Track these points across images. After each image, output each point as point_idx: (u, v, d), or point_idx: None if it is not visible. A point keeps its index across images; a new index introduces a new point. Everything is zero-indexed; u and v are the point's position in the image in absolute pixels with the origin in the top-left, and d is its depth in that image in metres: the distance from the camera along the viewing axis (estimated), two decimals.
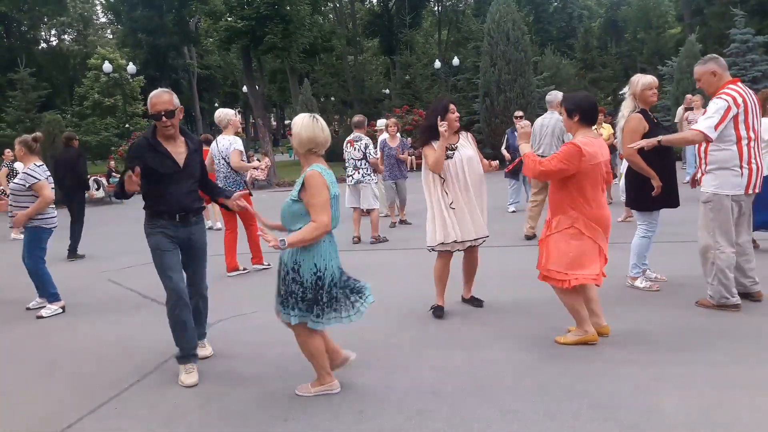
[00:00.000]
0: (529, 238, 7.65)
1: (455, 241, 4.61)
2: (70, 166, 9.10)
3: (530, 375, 3.59)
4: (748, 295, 4.64)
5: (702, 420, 2.92)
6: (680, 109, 12.83)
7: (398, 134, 9.90)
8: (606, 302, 4.59)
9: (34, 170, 5.73)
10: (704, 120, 4.30)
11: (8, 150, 12.24)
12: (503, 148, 10.50)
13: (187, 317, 3.86)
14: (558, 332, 4.18)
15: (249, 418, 3.30)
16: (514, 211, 10.28)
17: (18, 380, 4.16)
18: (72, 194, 9.12)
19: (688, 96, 12.69)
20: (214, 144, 6.98)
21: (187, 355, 3.90)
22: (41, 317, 5.70)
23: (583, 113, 3.88)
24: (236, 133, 6.95)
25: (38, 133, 6.23)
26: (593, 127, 4.07)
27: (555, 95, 7.77)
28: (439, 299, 4.89)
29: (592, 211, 3.86)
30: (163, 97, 3.75)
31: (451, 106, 4.70)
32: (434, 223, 4.65)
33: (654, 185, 4.83)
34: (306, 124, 3.29)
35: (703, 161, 4.52)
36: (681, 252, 6.32)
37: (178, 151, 3.85)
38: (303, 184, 3.23)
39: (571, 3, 48.19)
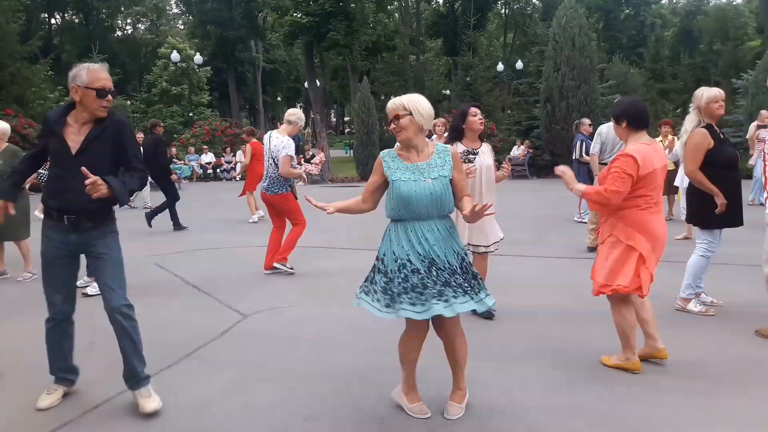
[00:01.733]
0: (592, 250, 7.34)
1: (469, 244, 4.65)
2: (153, 151, 9.84)
3: (564, 394, 3.41)
4: None
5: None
6: (753, 126, 12.18)
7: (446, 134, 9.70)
8: None
9: None
10: None
11: None
12: (580, 153, 9.69)
13: (57, 338, 3.44)
14: (600, 351, 3.97)
15: (270, 412, 3.26)
16: (585, 222, 9.91)
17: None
18: (158, 179, 9.86)
19: (763, 112, 12.02)
20: (267, 137, 6.68)
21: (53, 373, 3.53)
22: (87, 295, 5.85)
23: (630, 118, 3.64)
24: (300, 132, 6.86)
25: None
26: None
27: None
28: None
29: (635, 217, 3.56)
30: (105, 72, 3.25)
31: (472, 110, 4.69)
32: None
33: (717, 203, 4.55)
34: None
35: None
36: (743, 276, 5.96)
37: (79, 138, 3.22)
38: None
39: (644, 11, 46.57)
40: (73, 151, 3.17)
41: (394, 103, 3.13)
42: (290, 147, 6.37)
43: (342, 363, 3.95)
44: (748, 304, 5.06)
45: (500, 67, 31.82)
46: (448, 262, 2.96)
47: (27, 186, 6.65)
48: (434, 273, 2.92)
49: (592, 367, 3.79)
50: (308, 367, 3.89)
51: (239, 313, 5.10)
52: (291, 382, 3.65)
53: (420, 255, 2.94)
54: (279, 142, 6.42)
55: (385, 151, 3.20)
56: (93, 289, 5.93)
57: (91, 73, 3.17)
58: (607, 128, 7.68)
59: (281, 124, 6.90)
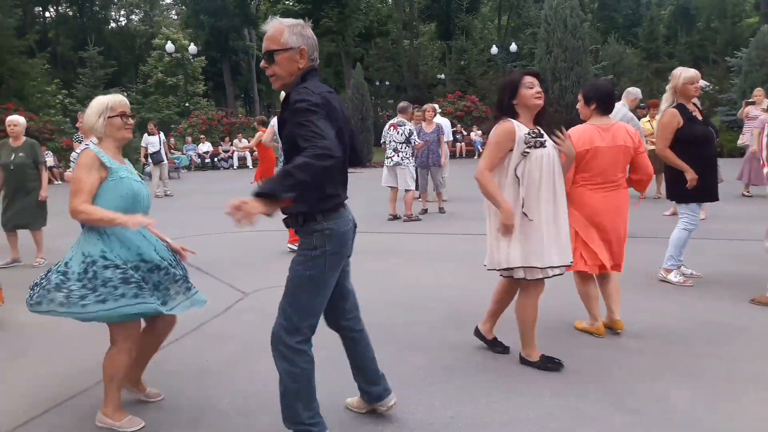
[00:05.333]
0: None
1: (540, 267, 3.34)
2: None
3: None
4: None
5: (705, 409, 2.97)
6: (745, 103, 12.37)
7: (435, 120, 9.93)
8: (634, 293, 4.64)
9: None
10: None
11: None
12: None
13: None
14: (572, 321, 4.25)
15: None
16: None
17: (71, 333, 4.51)
18: None
19: (756, 90, 12.19)
20: (273, 121, 7.19)
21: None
22: None
23: (600, 102, 3.87)
24: None
25: None
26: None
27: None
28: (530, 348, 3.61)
29: (571, 193, 3.74)
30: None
31: (527, 79, 3.38)
32: (509, 238, 3.34)
33: (687, 178, 4.79)
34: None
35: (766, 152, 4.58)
36: (725, 250, 6.25)
37: None
38: None
39: None
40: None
41: (125, 102, 3.13)
42: (275, 121, 6.74)
43: (332, 335, 4.20)
44: (722, 275, 5.36)
45: (494, 50, 31.91)
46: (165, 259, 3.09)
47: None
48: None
49: (566, 336, 4.06)
50: None
51: (240, 291, 5.37)
52: None
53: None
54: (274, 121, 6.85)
55: (92, 147, 3.12)
56: None
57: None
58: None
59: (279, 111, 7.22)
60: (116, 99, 3.09)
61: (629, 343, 3.83)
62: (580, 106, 4.04)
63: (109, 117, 3.05)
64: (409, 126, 8.91)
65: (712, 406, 3.00)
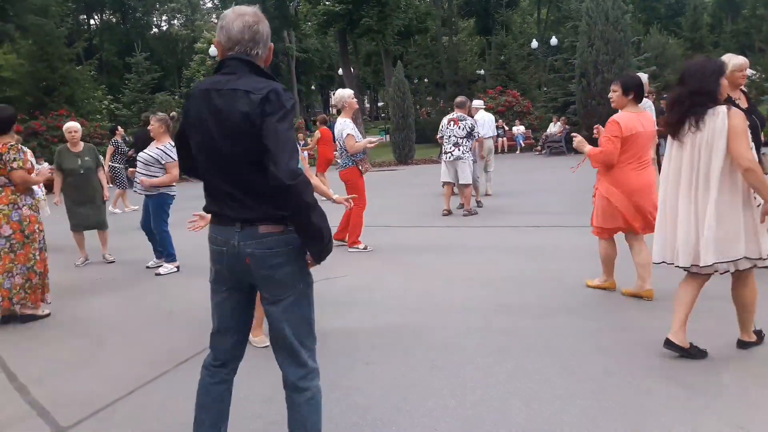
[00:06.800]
0: None
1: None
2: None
3: (593, 339, 3.83)
4: None
5: (753, 384, 3.11)
6: None
7: (478, 116, 10.22)
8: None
9: (171, 150, 6.32)
10: None
11: (120, 128, 13.37)
12: None
13: None
14: (621, 304, 4.38)
15: (335, 360, 3.75)
16: None
17: (143, 324, 4.86)
18: None
19: None
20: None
21: None
22: (159, 275, 6.46)
23: (638, 92, 4.39)
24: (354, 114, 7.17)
25: (174, 113, 6.96)
26: None
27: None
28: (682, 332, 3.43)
29: (616, 174, 4.41)
30: None
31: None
32: (734, 229, 3.23)
33: None
34: None
35: None
36: None
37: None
38: None
39: None
40: None
41: None
42: (348, 127, 6.85)
43: (392, 321, 4.43)
44: None
45: (534, 44, 31.66)
46: None
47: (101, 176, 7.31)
48: None
49: (617, 317, 4.21)
50: (362, 325, 4.39)
51: None
52: (350, 337, 4.14)
53: None
54: (340, 125, 6.95)
55: None
56: (164, 269, 6.53)
57: None
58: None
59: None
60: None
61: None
62: (616, 95, 4.46)
63: None
64: (471, 120, 9.08)
65: (759, 380, 3.13)
